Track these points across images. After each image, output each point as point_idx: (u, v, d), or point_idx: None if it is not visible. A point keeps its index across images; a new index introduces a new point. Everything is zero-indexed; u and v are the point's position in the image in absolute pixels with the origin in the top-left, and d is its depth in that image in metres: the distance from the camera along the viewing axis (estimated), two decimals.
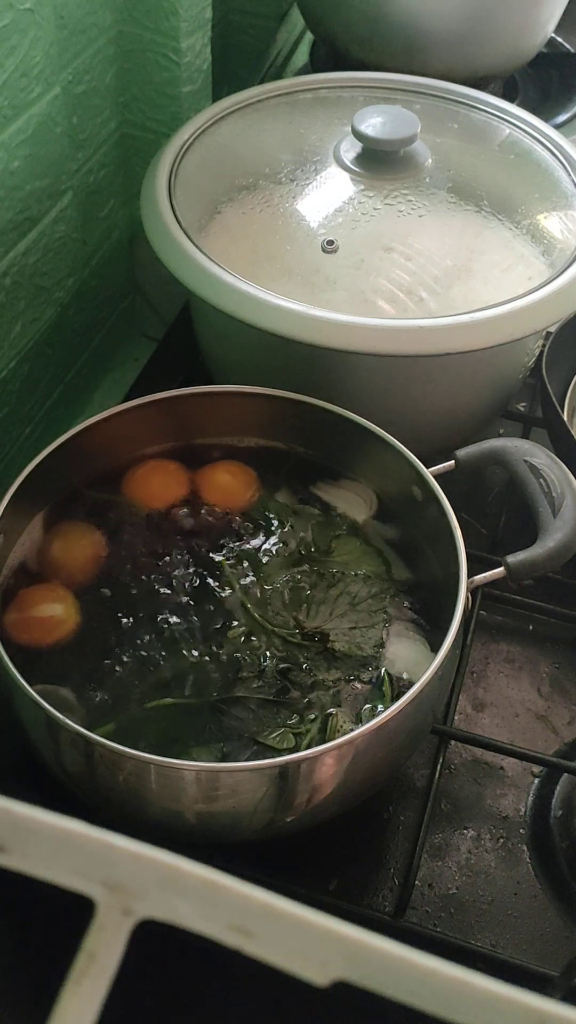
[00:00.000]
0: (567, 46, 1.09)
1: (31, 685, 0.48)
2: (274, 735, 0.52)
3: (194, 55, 0.77)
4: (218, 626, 0.56)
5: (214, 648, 0.55)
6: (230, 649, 0.55)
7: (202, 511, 0.62)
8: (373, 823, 0.60)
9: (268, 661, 0.55)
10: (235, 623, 0.56)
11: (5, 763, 0.59)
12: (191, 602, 0.57)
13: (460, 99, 0.79)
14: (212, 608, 0.57)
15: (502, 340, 0.61)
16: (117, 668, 0.54)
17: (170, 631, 0.56)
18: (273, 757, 0.50)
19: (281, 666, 0.54)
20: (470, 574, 0.54)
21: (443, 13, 0.88)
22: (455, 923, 0.57)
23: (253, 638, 0.56)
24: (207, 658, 0.55)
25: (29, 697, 0.47)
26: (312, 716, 0.53)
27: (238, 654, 0.55)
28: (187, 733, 0.52)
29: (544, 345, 0.76)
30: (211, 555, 0.59)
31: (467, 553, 0.54)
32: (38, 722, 0.49)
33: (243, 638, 0.56)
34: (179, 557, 0.59)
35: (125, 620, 0.56)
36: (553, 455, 0.61)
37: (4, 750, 0.59)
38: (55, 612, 0.56)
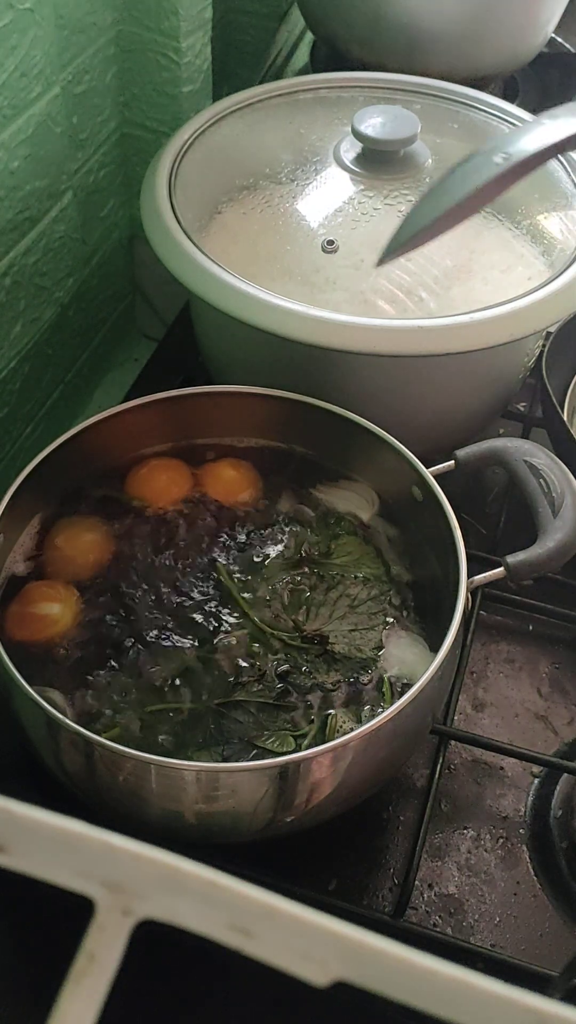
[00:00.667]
0: (567, 46, 1.09)
1: (31, 686, 0.48)
2: (273, 740, 0.51)
3: (194, 55, 0.77)
4: (218, 629, 0.56)
5: (214, 651, 0.55)
6: (230, 652, 0.55)
7: (206, 507, 0.62)
8: (373, 823, 0.60)
9: (268, 664, 0.54)
10: (235, 626, 0.56)
11: (5, 763, 0.59)
12: (192, 604, 0.57)
13: (460, 99, 0.79)
14: (213, 610, 0.57)
15: (502, 340, 0.61)
16: (117, 670, 0.54)
17: (171, 633, 0.56)
18: (273, 757, 0.50)
19: (280, 669, 0.54)
20: (470, 574, 0.54)
21: (443, 13, 0.88)
22: (455, 923, 0.57)
23: (254, 642, 0.56)
24: (207, 661, 0.55)
25: (29, 697, 0.47)
26: (312, 718, 0.53)
27: (238, 658, 0.55)
28: (188, 737, 0.52)
29: (544, 345, 0.76)
30: (213, 556, 0.59)
31: (467, 553, 0.54)
32: (38, 722, 0.49)
33: (243, 641, 0.56)
34: (181, 557, 0.59)
35: (125, 621, 0.56)
36: (553, 455, 0.61)
37: (4, 750, 0.59)
38: (52, 610, 0.56)
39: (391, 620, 0.57)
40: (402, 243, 0.40)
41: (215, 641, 0.55)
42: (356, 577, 0.59)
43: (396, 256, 0.40)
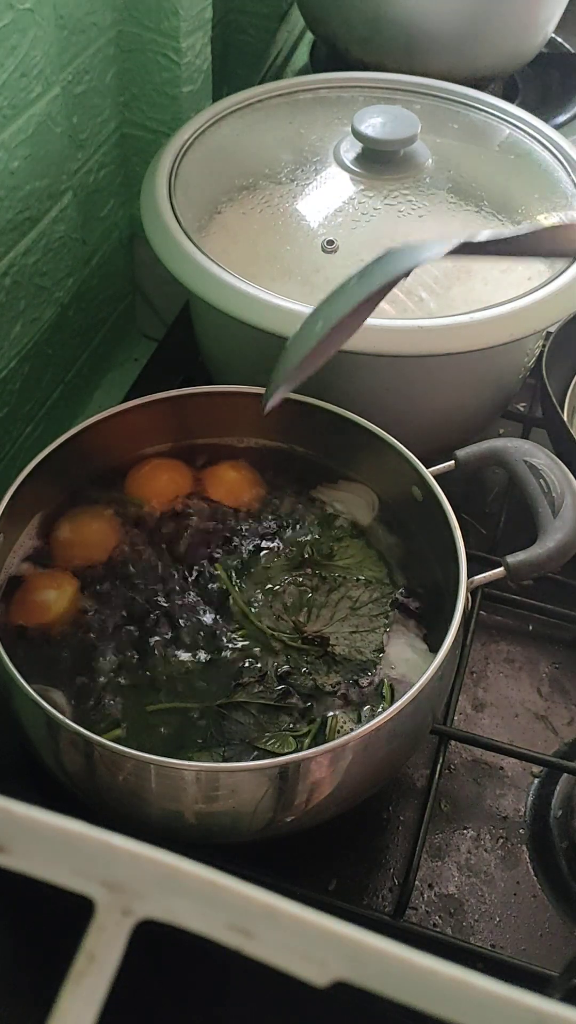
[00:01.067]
0: (567, 46, 1.09)
1: (31, 686, 0.48)
2: (274, 741, 0.51)
3: (194, 55, 0.77)
4: (219, 630, 0.56)
5: (215, 652, 0.55)
6: (231, 653, 0.55)
7: (206, 508, 0.62)
8: (373, 823, 0.60)
9: (269, 666, 0.54)
10: (236, 627, 0.56)
11: (5, 763, 0.59)
12: (193, 605, 0.57)
13: (460, 99, 0.79)
14: (213, 611, 0.57)
15: (502, 340, 0.61)
16: (118, 670, 0.54)
17: (172, 634, 0.56)
18: (273, 757, 0.50)
19: (281, 670, 0.54)
20: (470, 574, 0.54)
21: (443, 13, 0.88)
22: (455, 923, 0.57)
23: (255, 643, 0.55)
24: (208, 662, 0.55)
25: (29, 697, 0.47)
26: (312, 719, 0.53)
27: (239, 659, 0.55)
28: (188, 737, 0.52)
29: (544, 345, 0.76)
30: (213, 557, 0.59)
31: (467, 553, 0.54)
32: (38, 722, 0.49)
33: (244, 642, 0.55)
34: (182, 558, 0.59)
35: (126, 622, 0.56)
36: (553, 455, 0.61)
37: (4, 750, 0.59)
38: (49, 596, 0.56)
39: (392, 620, 0.57)
40: (267, 402, 0.44)
41: (216, 642, 0.55)
42: (358, 579, 0.59)
43: (272, 406, 0.44)
